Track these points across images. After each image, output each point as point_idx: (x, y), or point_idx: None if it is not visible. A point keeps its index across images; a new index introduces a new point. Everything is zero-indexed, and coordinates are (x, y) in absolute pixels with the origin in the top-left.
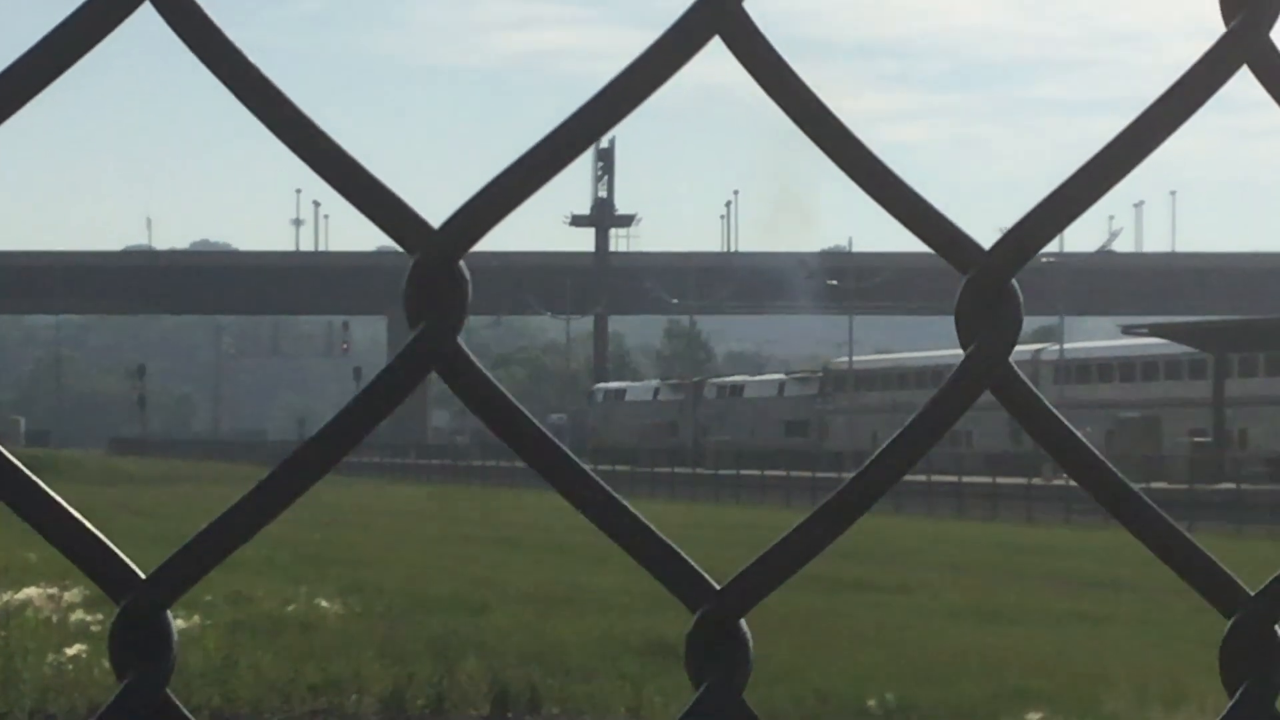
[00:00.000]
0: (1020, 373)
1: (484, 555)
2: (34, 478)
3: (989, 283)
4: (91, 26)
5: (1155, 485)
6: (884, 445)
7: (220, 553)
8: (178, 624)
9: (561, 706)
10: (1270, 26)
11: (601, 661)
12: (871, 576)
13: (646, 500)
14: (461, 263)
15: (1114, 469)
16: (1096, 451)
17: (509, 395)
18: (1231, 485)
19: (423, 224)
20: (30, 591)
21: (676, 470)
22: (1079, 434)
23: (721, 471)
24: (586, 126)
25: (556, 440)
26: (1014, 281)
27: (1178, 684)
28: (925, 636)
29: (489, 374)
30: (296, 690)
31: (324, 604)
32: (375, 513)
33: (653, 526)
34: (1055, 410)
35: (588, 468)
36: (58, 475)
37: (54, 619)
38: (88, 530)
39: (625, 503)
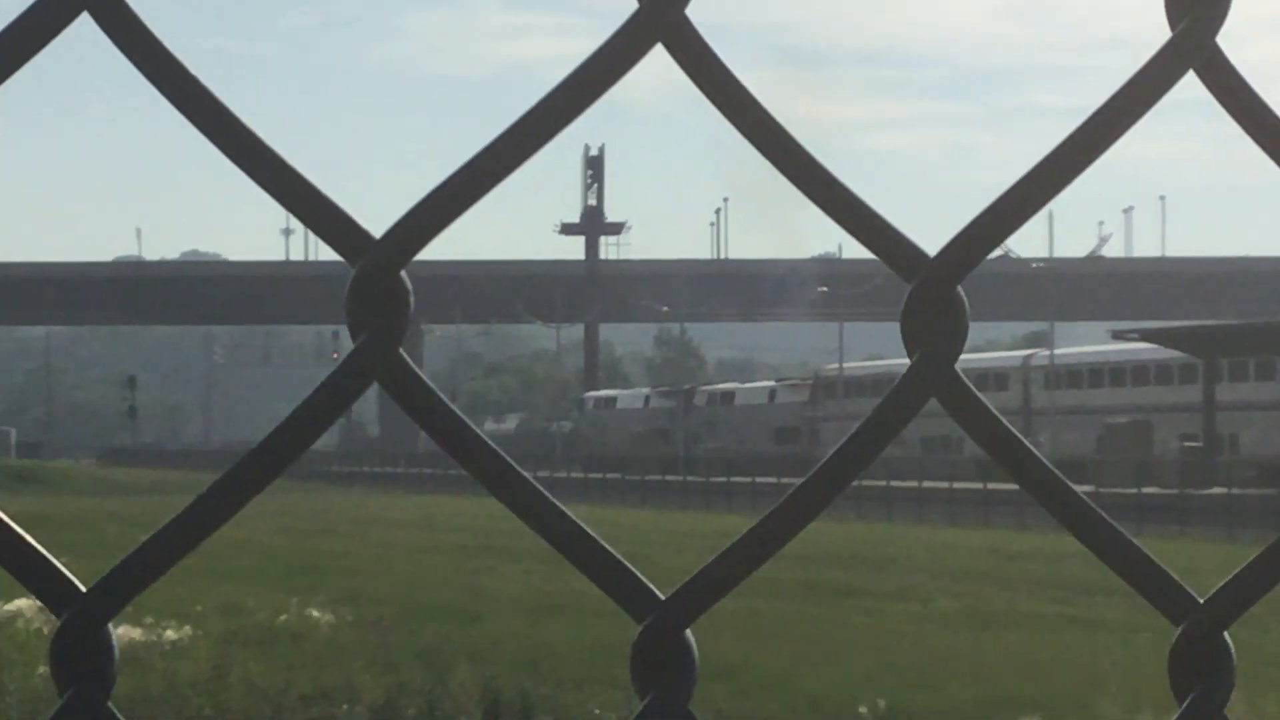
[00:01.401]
0: (967, 381)
1: (475, 564)
2: None
3: (934, 291)
4: (28, 37)
5: (1146, 490)
6: (828, 455)
7: (161, 566)
8: (169, 634)
9: (553, 715)
10: (1215, 31)
11: (593, 670)
12: (864, 582)
13: (637, 508)
14: (403, 273)
15: (1062, 477)
16: (1044, 460)
17: (451, 405)
18: (1222, 490)
19: (364, 234)
20: (20, 603)
21: (667, 478)
22: (1026, 442)
23: (712, 479)
24: (528, 136)
25: (498, 449)
26: (959, 289)
27: (1168, 689)
28: (917, 642)
29: (431, 384)
30: (288, 700)
31: (316, 614)
32: (366, 522)
33: (597, 536)
34: (1001, 418)
35: (576, 475)
36: (49, 486)
37: (44, 630)
38: (28, 544)
39: (569, 512)
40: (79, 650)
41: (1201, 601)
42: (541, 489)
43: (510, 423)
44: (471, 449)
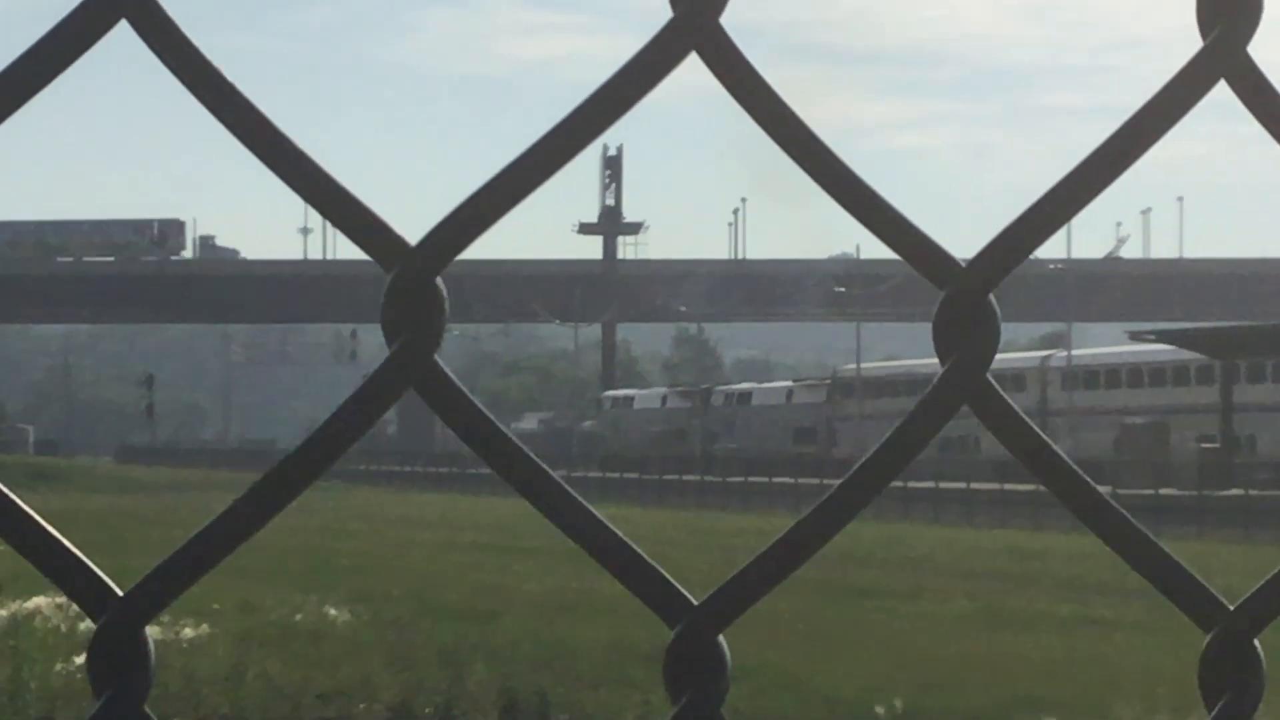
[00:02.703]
0: (998, 388)
1: (492, 563)
2: (9, 494)
3: (966, 299)
4: (66, 46)
5: (1163, 491)
6: (862, 460)
7: (198, 570)
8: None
9: (570, 714)
10: (1247, 40)
11: (610, 669)
12: (880, 583)
13: (655, 508)
14: (439, 280)
15: (1091, 483)
16: (1074, 465)
17: (485, 410)
18: (1240, 491)
19: (399, 241)
20: (39, 601)
21: (685, 478)
22: (1056, 448)
23: (730, 479)
24: (563, 144)
25: (532, 455)
26: (991, 297)
27: (1186, 690)
28: (934, 643)
29: (465, 389)
30: (305, 698)
31: (333, 612)
32: (383, 520)
33: (629, 541)
34: (1032, 424)
35: (596, 475)
36: (67, 484)
37: (62, 628)
38: (65, 547)
39: (602, 518)
40: (116, 653)
41: (1231, 609)
42: (574, 494)
43: (530, 421)
44: (505, 454)
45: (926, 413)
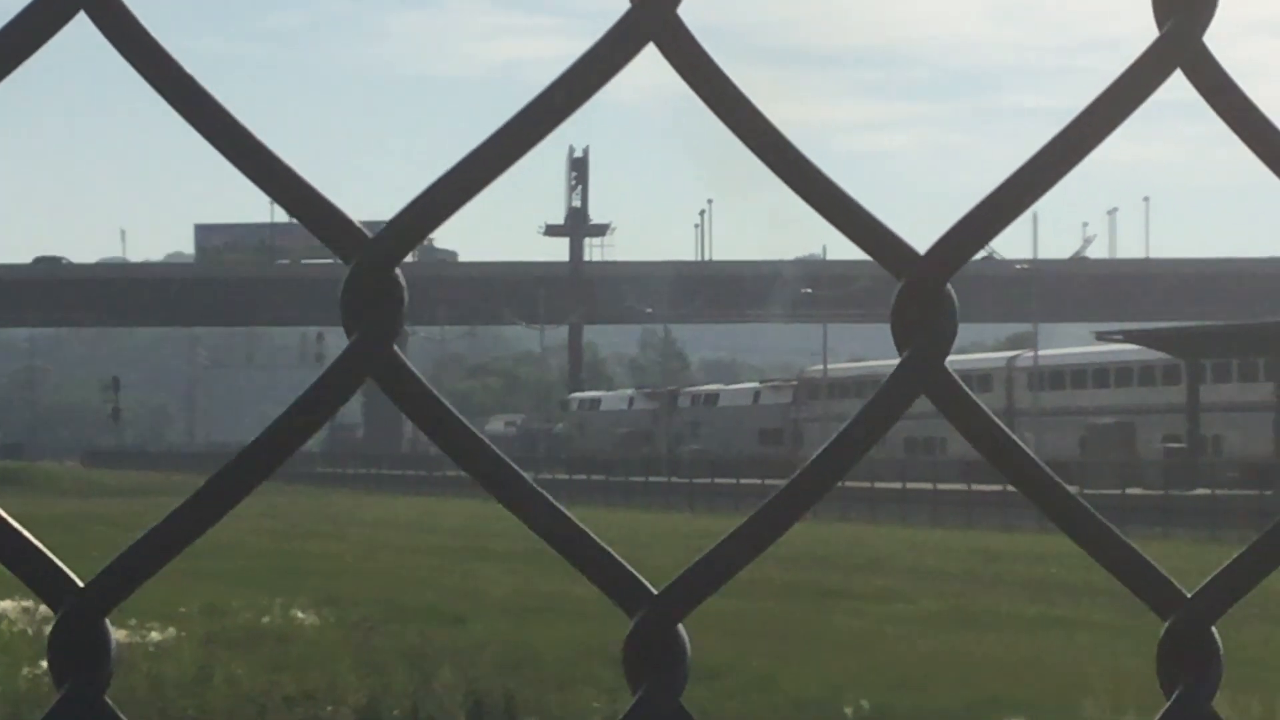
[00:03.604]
0: (956, 377)
1: (460, 565)
2: None
3: (924, 288)
4: (23, 37)
5: (1130, 491)
6: (819, 451)
7: (158, 561)
8: (153, 636)
9: (537, 716)
10: (1203, 30)
11: (577, 671)
12: (848, 584)
13: (622, 509)
14: (397, 271)
15: (1050, 473)
16: (1034, 456)
17: (446, 403)
18: (1206, 491)
19: (358, 232)
20: (4, 605)
21: (651, 479)
22: (1016, 439)
23: (696, 480)
24: (519, 137)
25: (492, 445)
26: (949, 287)
27: (1153, 690)
28: (902, 643)
29: (426, 382)
30: (272, 702)
31: (300, 615)
32: (350, 524)
33: (590, 532)
34: (992, 414)
35: (561, 476)
36: (32, 487)
37: (29, 631)
38: (24, 539)
39: (563, 509)
40: (76, 644)
41: (1189, 596)
42: (535, 485)
43: (496, 423)
44: (466, 445)
45: (883, 403)
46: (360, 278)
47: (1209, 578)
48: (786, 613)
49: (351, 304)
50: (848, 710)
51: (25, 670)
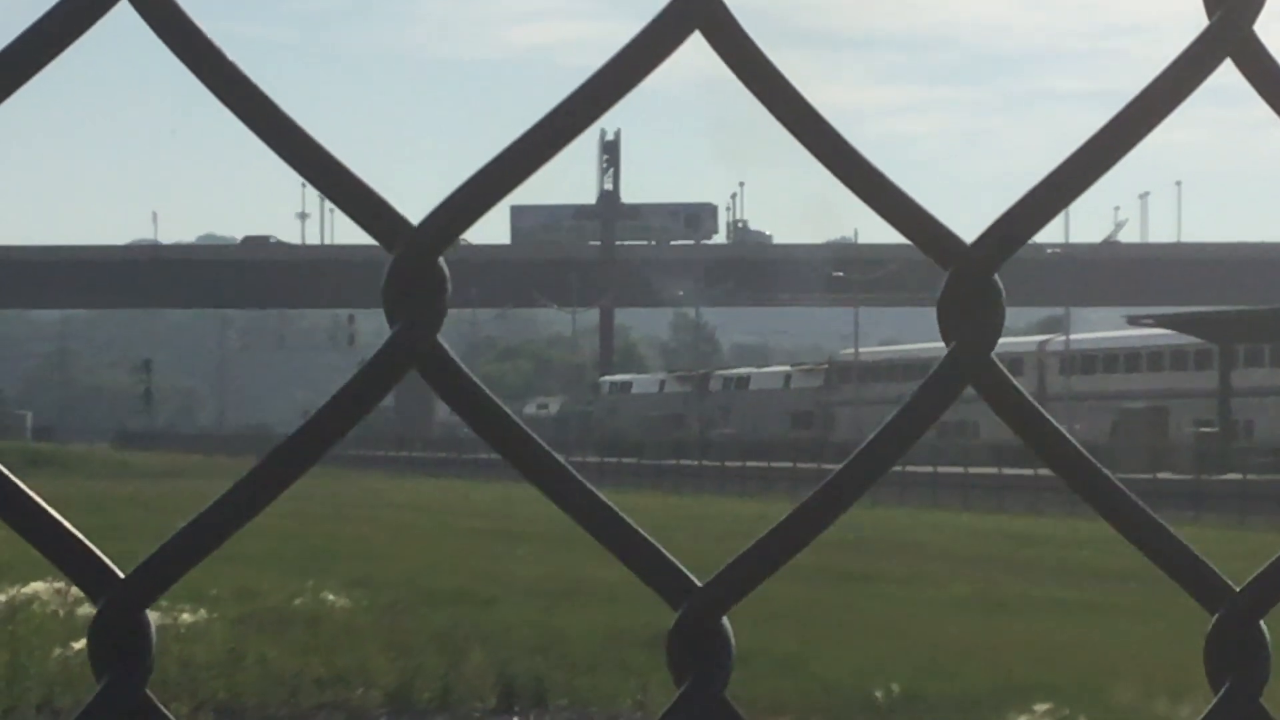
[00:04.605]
0: (1003, 367)
1: (490, 548)
2: (9, 475)
3: (971, 279)
4: (66, 25)
5: (1161, 476)
6: (867, 441)
7: (200, 552)
8: (184, 618)
9: (568, 699)
10: (1253, 19)
11: (607, 654)
12: (877, 568)
13: (652, 493)
14: (441, 260)
15: (1098, 464)
16: (1080, 447)
17: (489, 392)
18: (1237, 476)
19: (401, 221)
20: (36, 586)
21: (682, 462)
22: (1062, 430)
23: (727, 464)
24: (565, 123)
25: (536, 437)
26: (996, 277)
27: (1184, 675)
28: (931, 628)
29: (468, 371)
30: (303, 684)
31: (330, 597)
32: (381, 506)
33: (634, 523)
34: (1038, 405)
35: (592, 459)
36: (64, 469)
37: (60, 613)
38: (65, 529)
39: (606, 499)
40: (117, 636)
41: (1237, 590)
42: (578, 475)
43: (529, 407)
44: (509, 436)
45: (930, 393)
46: (403, 266)
47: (1257, 571)
48: (815, 597)
49: (394, 293)
50: (878, 694)
51: (57, 652)
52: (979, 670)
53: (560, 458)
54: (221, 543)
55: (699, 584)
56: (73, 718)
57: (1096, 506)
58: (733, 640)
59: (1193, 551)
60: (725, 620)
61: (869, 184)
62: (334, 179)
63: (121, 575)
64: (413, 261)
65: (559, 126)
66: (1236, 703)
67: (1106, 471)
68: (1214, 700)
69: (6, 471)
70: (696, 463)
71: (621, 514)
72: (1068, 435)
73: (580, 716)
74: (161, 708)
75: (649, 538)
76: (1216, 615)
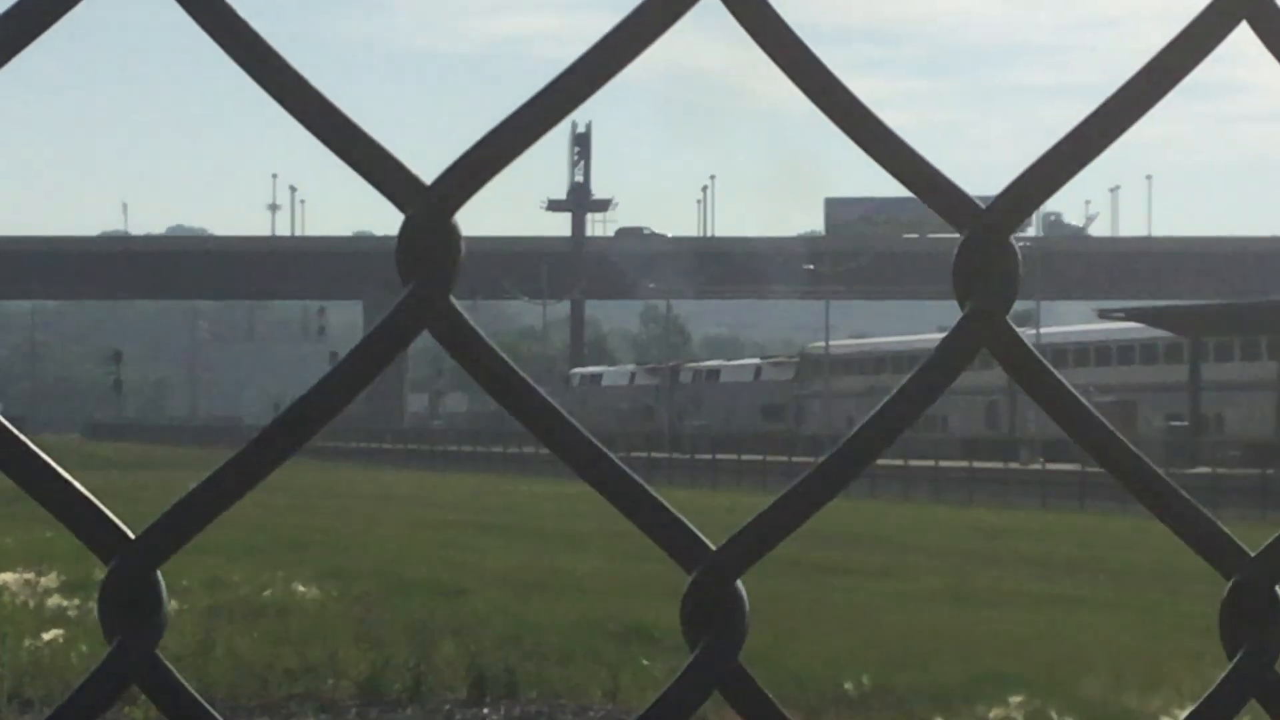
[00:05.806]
0: (1019, 332)
1: (461, 540)
2: (21, 436)
3: (987, 240)
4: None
5: None
6: (881, 404)
7: (210, 513)
8: None
9: (538, 690)
10: None
11: (578, 645)
12: (848, 560)
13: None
14: (455, 219)
15: (1112, 428)
16: (1095, 410)
17: (503, 355)
18: (1207, 469)
19: (415, 180)
20: (6, 577)
21: (653, 455)
22: (1074, 390)
23: (698, 456)
24: (577, 85)
25: (549, 399)
26: (1012, 240)
27: (1153, 667)
28: (902, 620)
29: (484, 334)
30: (273, 674)
31: (301, 588)
32: (352, 497)
33: (649, 488)
34: (1052, 368)
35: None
36: None
37: (30, 604)
38: (76, 490)
39: (622, 464)
40: (128, 596)
41: (1253, 555)
42: (592, 439)
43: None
44: (522, 398)
45: (945, 355)
46: (417, 225)
47: (1275, 537)
48: (786, 589)
49: (408, 252)
50: (848, 686)
51: (27, 642)
52: (950, 662)
53: (577, 424)
54: (232, 504)
55: (713, 548)
56: (86, 676)
57: (1111, 471)
58: (747, 604)
59: (1207, 515)
60: (739, 584)
61: (887, 148)
62: (345, 137)
63: (132, 535)
64: (426, 221)
65: (571, 88)
66: (1252, 667)
67: (1120, 435)
68: (1230, 664)
69: (16, 431)
70: (667, 455)
71: (636, 478)
72: (1079, 395)
73: (551, 707)
74: (171, 669)
75: (664, 502)
76: (1232, 580)
